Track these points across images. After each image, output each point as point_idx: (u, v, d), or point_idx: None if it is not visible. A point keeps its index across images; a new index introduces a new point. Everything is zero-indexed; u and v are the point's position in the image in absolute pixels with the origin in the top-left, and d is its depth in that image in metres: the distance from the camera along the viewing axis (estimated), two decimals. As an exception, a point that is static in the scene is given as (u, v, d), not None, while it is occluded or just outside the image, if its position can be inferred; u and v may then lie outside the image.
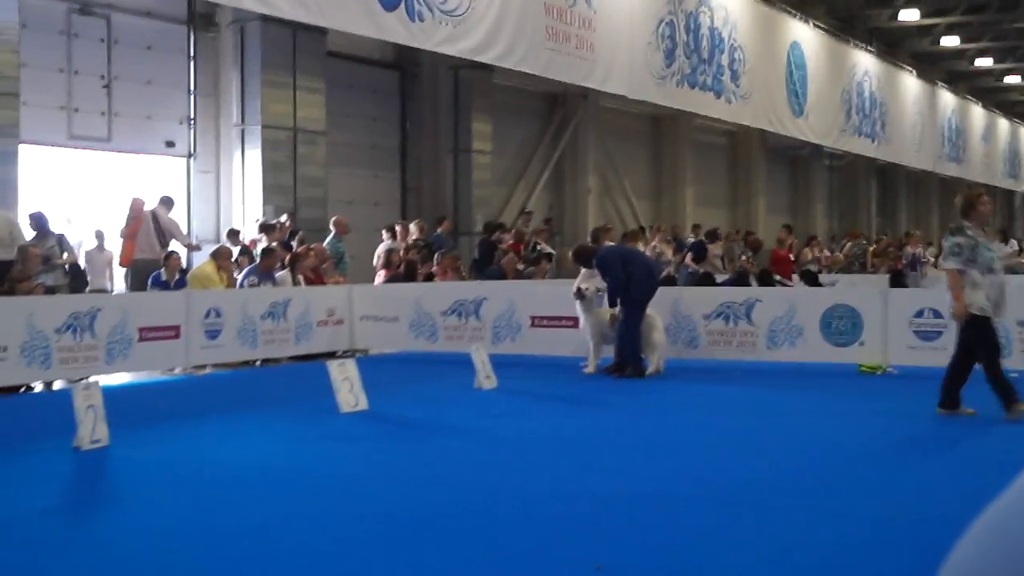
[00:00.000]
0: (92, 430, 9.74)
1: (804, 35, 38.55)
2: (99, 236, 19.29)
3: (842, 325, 15.70)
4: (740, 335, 16.15)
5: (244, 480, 8.65)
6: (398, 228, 22.13)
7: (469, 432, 10.97)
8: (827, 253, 30.60)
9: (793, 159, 45.31)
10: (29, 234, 16.60)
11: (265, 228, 19.70)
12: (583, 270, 15.99)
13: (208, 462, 9.41)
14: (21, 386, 13.97)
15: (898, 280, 26.19)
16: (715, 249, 25.12)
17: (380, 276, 20.60)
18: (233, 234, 20.24)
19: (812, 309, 15.91)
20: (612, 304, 15.15)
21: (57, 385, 14.33)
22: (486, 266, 22.22)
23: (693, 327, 16.36)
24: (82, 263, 18.10)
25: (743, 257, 24.26)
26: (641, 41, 28.59)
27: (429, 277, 19.92)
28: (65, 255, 16.92)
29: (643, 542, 6.73)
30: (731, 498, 7.88)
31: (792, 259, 26.29)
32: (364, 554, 6.58)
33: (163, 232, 18.94)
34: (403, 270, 19.95)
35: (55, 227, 17.15)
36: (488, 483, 8.46)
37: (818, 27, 39.78)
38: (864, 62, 43.77)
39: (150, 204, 19.08)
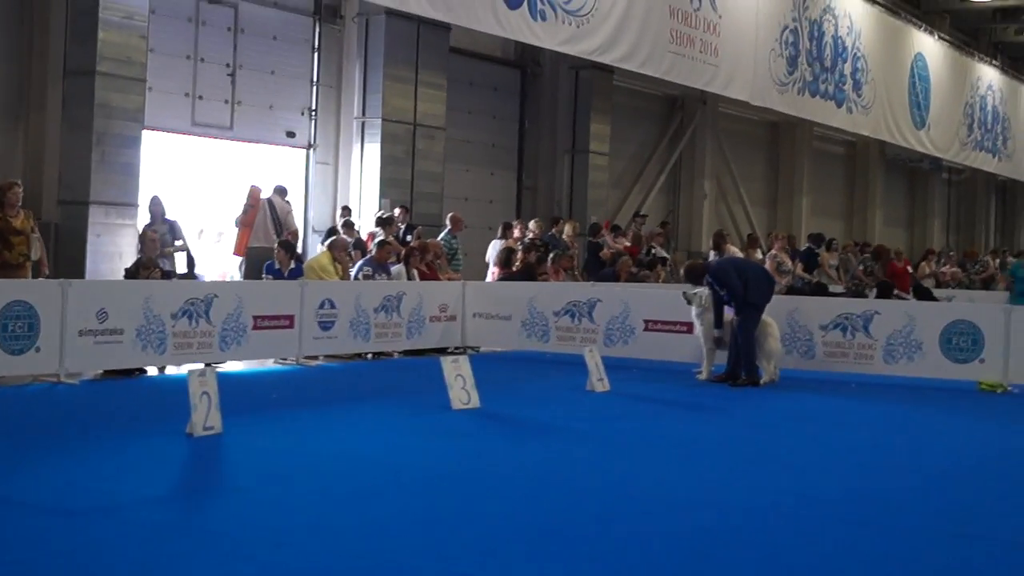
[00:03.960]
0: (206, 417, 9.68)
1: (929, 47, 37.93)
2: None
3: (962, 341, 15.34)
4: (857, 347, 15.84)
5: (355, 473, 8.64)
6: (516, 226, 22.02)
7: (582, 435, 10.86)
8: (946, 268, 30.06)
9: (911, 171, 44.55)
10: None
11: (382, 222, 19.75)
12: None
13: (320, 454, 9.39)
14: (135, 370, 14.07)
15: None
16: (830, 259, 24.76)
17: (492, 274, 20.52)
18: (347, 211, 20.55)
19: (932, 324, 15.54)
20: (737, 312, 14.89)
21: (170, 370, 14.39)
22: (593, 267, 22.07)
23: (809, 338, 16.09)
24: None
25: (860, 268, 23.89)
26: (765, 47, 28.32)
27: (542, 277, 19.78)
28: (178, 243, 17.01)
29: (756, 558, 6.57)
30: (845, 515, 7.68)
31: (910, 273, 25.82)
32: (470, 555, 6.49)
33: (279, 221, 19.06)
34: (521, 270, 19.86)
35: (171, 213, 17.22)
36: (599, 489, 8.33)
37: (943, 39, 39.11)
38: (988, 76, 42.99)
39: (266, 192, 19.22)
